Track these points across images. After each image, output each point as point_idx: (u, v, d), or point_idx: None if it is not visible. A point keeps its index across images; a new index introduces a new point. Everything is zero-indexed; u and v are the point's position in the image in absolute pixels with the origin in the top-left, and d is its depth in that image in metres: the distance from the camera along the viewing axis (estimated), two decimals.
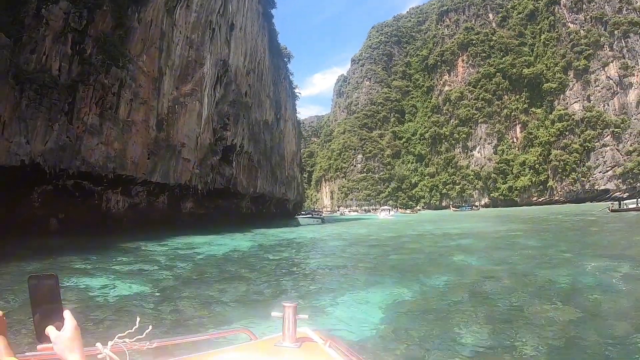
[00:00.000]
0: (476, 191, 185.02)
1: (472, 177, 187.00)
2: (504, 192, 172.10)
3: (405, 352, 7.02)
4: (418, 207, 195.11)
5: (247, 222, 60.60)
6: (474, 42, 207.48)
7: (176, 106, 45.93)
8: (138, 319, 2.09)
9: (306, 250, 26.24)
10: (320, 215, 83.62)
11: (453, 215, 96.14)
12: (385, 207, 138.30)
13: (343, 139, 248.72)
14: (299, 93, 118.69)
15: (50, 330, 1.38)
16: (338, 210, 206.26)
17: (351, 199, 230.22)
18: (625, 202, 64.08)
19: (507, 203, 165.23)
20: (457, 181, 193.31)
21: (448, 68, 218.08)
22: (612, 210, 59.06)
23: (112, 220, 38.04)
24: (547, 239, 26.68)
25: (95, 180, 35.79)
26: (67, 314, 1.41)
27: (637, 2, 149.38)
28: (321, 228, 53.61)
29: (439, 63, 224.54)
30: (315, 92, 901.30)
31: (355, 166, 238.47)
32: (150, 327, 2.17)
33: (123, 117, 37.70)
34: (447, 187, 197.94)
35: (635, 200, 62.98)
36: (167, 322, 8.78)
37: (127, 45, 38.35)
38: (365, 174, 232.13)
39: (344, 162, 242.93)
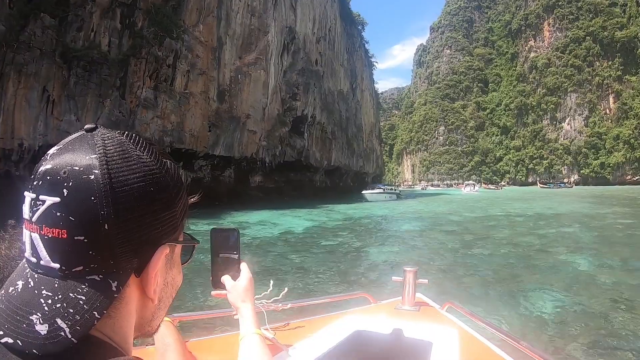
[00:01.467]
0: (565, 167, 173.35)
1: (560, 151, 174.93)
2: (595, 168, 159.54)
3: None
4: (503, 183, 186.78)
5: (320, 196, 58.16)
6: (560, 3, 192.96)
7: (239, 76, 43.75)
8: (272, 282, 2.24)
9: (370, 235, 22.56)
10: (395, 189, 73.80)
11: (541, 193, 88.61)
12: (470, 182, 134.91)
13: (424, 110, 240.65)
14: (376, 62, 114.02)
15: (226, 279, 1.46)
16: (419, 184, 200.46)
17: (433, 173, 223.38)
18: None
19: (598, 181, 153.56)
20: (545, 156, 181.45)
21: (533, 32, 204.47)
22: None
23: None
24: None
25: None
26: (244, 266, 1.49)
27: None
28: (396, 204, 49.34)
29: (523, 27, 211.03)
30: (396, 63, 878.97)
31: (437, 139, 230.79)
32: (286, 289, 2.36)
33: (179, 89, 35.85)
34: (534, 161, 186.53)
35: None
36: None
37: (180, 15, 36.38)
38: (447, 147, 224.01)
39: (426, 135, 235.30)
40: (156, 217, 0.65)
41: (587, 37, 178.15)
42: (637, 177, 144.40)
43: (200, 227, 22.52)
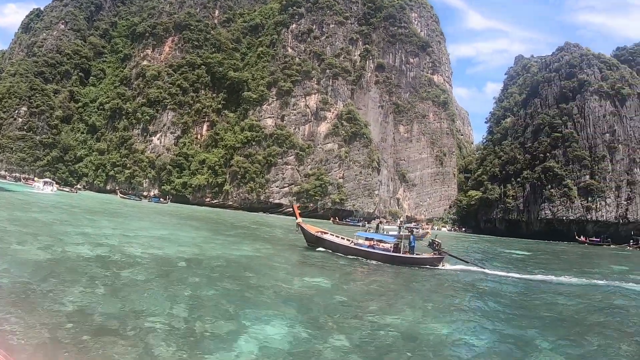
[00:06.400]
0: (147, 180, 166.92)
1: (145, 164, 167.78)
2: (177, 186, 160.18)
3: None
4: (79, 186, 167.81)
5: None
6: (191, 27, 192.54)
7: None
8: None
9: None
10: None
11: (126, 205, 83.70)
12: (48, 179, 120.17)
13: (11, 82, 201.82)
14: None
15: None
16: None
17: (1, 160, 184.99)
18: (384, 227, 57.72)
19: (178, 199, 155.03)
20: (129, 165, 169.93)
21: (154, 43, 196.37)
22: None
23: None
24: None
25: None
26: None
27: (354, 55, 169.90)
28: None
29: (147, 35, 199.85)
30: (3, 24, 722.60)
31: (15, 120, 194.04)
32: None
33: None
34: (115, 169, 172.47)
35: (397, 227, 59.15)
36: None
37: None
38: (25, 133, 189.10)
39: (4, 112, 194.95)
40: None
41: (203, 66, 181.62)
42: (215, 201, 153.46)
43: None
